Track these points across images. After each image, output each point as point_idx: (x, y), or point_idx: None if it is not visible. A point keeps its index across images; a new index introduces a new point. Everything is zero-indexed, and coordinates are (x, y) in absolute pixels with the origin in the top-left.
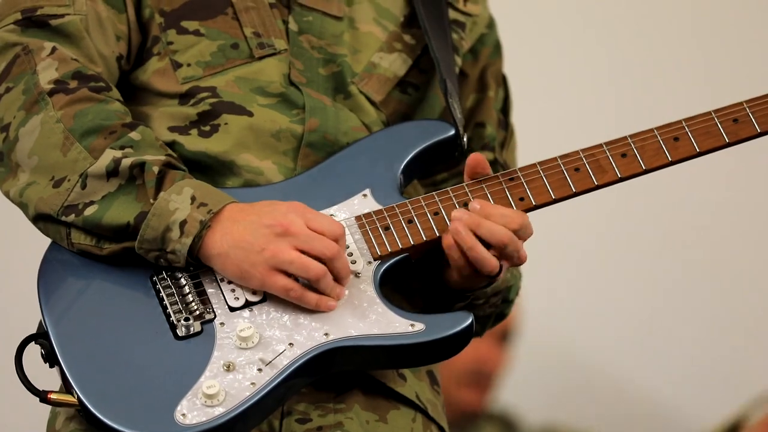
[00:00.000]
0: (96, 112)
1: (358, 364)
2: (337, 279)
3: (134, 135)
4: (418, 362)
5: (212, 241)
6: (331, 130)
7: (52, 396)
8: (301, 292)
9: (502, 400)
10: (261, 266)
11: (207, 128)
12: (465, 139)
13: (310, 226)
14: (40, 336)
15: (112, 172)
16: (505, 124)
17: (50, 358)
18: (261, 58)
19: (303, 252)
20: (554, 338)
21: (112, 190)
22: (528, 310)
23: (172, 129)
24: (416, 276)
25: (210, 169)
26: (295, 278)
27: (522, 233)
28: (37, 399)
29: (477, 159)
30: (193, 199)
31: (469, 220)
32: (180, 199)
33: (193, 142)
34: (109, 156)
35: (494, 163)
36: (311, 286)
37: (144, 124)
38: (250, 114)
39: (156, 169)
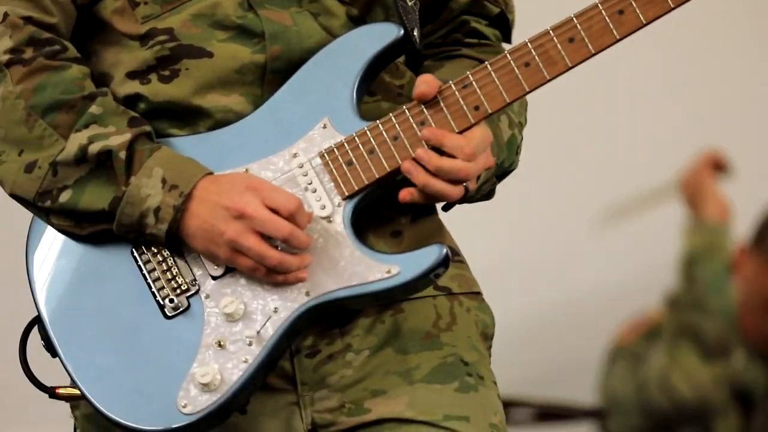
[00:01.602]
0: (54, 84)
1: (343, 309)
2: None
3: (95, 109)
4: (403, 297)
5: (184, 223)
6: (295, 53)
7: (60, 391)
8: (266, 272)
9: None
10: (224, 248)
11: (167, 72)
12: (416, 34)
13: (266, 204)
14: (37, 322)
15: (81, 159)
16: None
17: (50, 349)
18: None
19: (263, 234)
20: None
21: (83, 174)
22: None
23: (131, 75)
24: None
25: (179, 116)
26: None
27: (478, 153)
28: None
29: (421, 93)
30: (164, 181)
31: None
32: (151, 183)
33: (155, 91)
34: (75, 143)
35: (475, 2)
36: None
37: (104, 88)
38: (210, 55)
39: (123, 154)
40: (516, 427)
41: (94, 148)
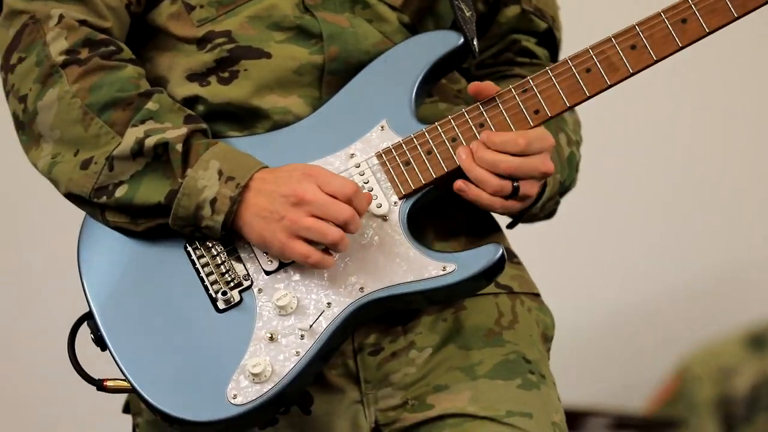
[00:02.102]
0: (110, 83)
1: (397, 307)
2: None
3: (151, 105)
4: (457, 297)
5: (240, 214)
6: (352, 54)
7: (108, 383)
8: (319, 257)
9: None
10: (280, 234)
11: (226, 74)
12: (476, 44)
13: (324, 190)
14: (88, 317)
15: (137, 152)
16: None
17: (99, 342)
18: None
19: (319, 218)
20: None
21: (139, 168)
22: None
23: (191, 78)
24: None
25: (237, 117)
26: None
27: (532, 149)
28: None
29: (477, 89)
30: (220, 173)
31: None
32: (207, 176)
33: (214, 93)
34: (131, 137)
35: (522, 16)
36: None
37: (159, 87)
38: (269, 55)
39: (179, 147)
40: None
41: (150, 142)
